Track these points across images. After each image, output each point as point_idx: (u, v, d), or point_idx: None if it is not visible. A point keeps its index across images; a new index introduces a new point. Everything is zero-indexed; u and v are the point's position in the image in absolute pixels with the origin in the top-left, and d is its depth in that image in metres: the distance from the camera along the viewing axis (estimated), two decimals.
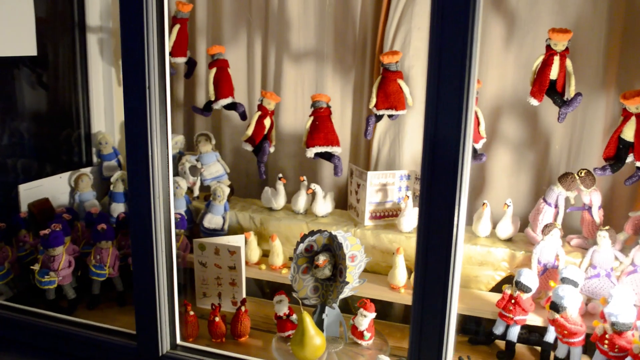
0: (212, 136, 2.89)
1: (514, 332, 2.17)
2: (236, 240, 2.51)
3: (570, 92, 2.23)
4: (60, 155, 2.94)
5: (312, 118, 2.55)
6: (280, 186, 2.73)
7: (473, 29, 1.40)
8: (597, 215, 2.28)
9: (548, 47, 2.19)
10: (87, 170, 2.93)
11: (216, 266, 2.45)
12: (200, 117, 3.20)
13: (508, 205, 2.38)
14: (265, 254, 2.64)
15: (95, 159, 3.03)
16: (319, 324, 2.14)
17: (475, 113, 2.32)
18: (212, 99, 2.68)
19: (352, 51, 2.94)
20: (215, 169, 2.86)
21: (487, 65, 2.65)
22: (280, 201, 2.74)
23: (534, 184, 2.66)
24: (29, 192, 2.67)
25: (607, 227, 2.15)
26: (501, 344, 2.22)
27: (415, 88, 2.69)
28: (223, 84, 2.68)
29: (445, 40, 1.43)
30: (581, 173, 2.25)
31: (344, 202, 2.88)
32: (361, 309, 2.15)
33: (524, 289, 2.11)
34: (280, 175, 2.74)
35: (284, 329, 2.20)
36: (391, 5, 2.73)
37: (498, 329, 2.20)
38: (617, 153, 2.17)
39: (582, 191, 2.27)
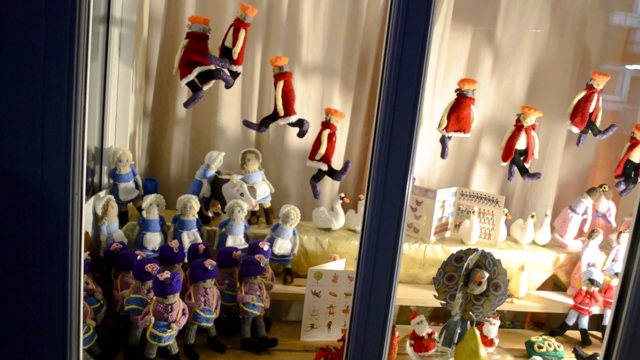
0: (260, 154, 2.63)
1: (585, 321, 2.61)
2: (337, 265, 2.39)
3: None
4: None
5: None
6: (339, 206, 2.67)
7: None
8: (614, 220, 2.88)
9: (590, 86, 2.68)
10: (104, 193, 2.37)
11: (331, 294, 2.30)
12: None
13: (548, 216, 2.81)
14: None
15: (105, 180, 2.45)
16: (460, 336, 2.26)
17: (534, 137, 2.68)
18: (282, 114, 2.47)
19: (356, 68, 2.99)
20: (263, 189, 2.61)
21: (478, 92, 3.04)
22: (340, 221, 2.67)
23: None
24: None
25: (627, 230, 2.76)
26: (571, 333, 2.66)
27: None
28: (292, 99, 2.50)
29: None
30: (605, 187, 2.82)
31: None
32: (490, 318, 2.32)
33: (597, 284, 2.57)
34: (343, 195, 2.68)
35: (427, 348, 2.22)
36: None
37: (571, 320, 2.62)
38: (624, 172, 2.79)
39: (601, 202, 2.85)
